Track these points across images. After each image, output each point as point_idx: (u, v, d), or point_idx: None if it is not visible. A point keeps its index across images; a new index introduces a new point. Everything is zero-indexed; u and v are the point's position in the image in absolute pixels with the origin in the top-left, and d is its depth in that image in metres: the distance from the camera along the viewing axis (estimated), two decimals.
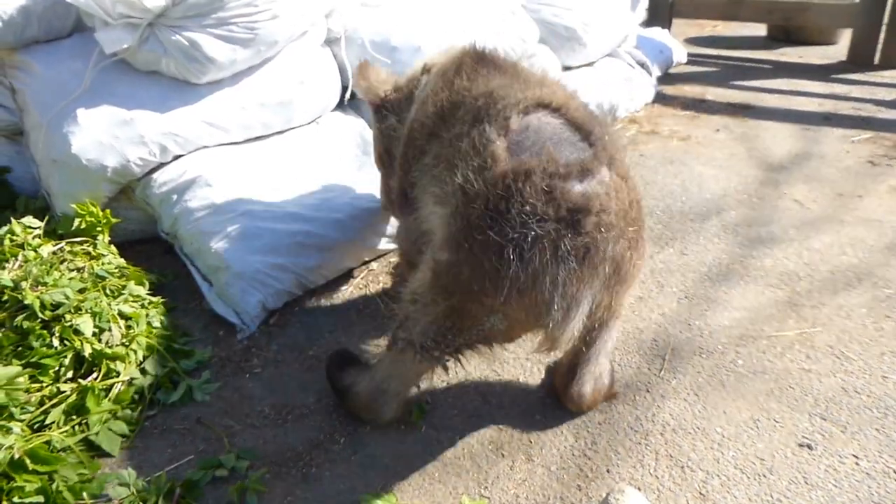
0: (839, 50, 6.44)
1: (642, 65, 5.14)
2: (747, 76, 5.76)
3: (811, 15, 6.04)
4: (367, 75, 2.60)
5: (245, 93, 3.06)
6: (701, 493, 1.90)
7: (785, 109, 4.93)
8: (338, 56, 3.51)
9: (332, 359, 2.36)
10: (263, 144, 3.17)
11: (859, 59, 5.96)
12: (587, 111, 2.02)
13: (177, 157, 2.96)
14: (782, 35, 7.00)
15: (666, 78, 5.61)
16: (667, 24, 6.44)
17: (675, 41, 6.09)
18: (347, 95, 3.46)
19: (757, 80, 5.62)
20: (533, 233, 1.70)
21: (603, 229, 1.74)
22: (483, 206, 1.75)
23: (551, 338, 1.87)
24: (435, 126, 2.15)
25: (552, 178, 1.72)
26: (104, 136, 2.77)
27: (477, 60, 2.27)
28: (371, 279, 2.96)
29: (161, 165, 2.94)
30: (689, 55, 6.17)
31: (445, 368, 2.05)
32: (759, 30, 7.35)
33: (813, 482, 1.91)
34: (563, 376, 2.21)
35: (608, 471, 1.99)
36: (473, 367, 2.43)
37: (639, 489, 1.91)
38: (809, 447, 2.03)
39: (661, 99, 5.16)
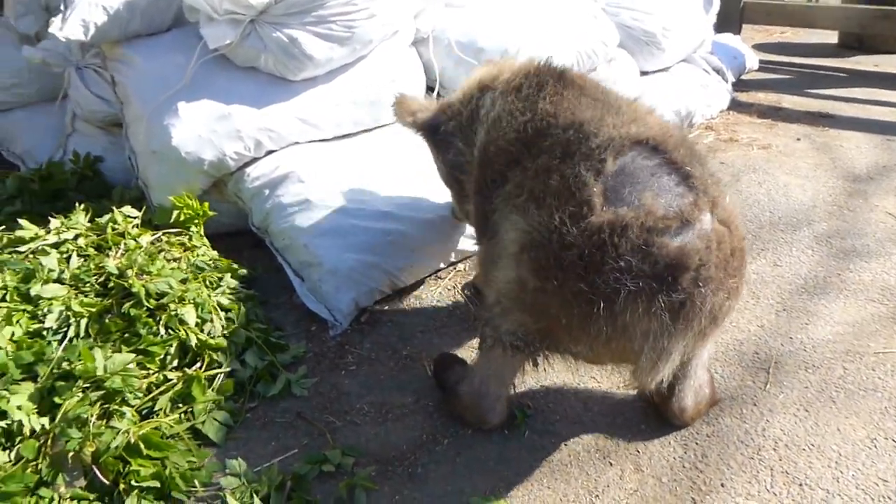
0: None
1: (718, 71, 5.04)
2: (822, 84, 5.62)
3: (889, 22, 5.86)
4: (411, 107, 2.55)
5: (338, 90, 3.08)
6: None
7: (866, 119, 4.79)
8: (423, 56, 3.51)
9: (438, 361, 2.37)
10: (353, 142, 3.19)
11: None
12: (686, 147, 1.89)
13: (269, 153, 2.99)
14: (855, 43, 6.81)
15: (739, 84, 5.50)
16: (737, 30, 6.32)
17: (747, 47, 5.98)
18: (434, 95, 3.45)
19: (833, 89, 5.48)
20: (626, 289, 1.66)
21: (701, 284, 1.69)
22: (577, 256, 1.72)
23: (639, 382, 1.89)
24: (518, 153, 2.05)
25: (649, 233, 1.67)
26: (203, 129, 2.81)
27: (560, 82, 2.14)
28: (459, 280, 2.95)
29: (254, 160, 2.97)
30: (760, 62, 6.05)
31: (536, 364, 2.03)
32: (830, 37, 7.17)
33: None
34: (661, 393, 2.15)
35: (722, 485, 1.95)
36: (571, 374, 2.40)
37: None
38: None
39: (736, 106, 5.05)
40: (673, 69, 4.77)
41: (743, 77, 5.69)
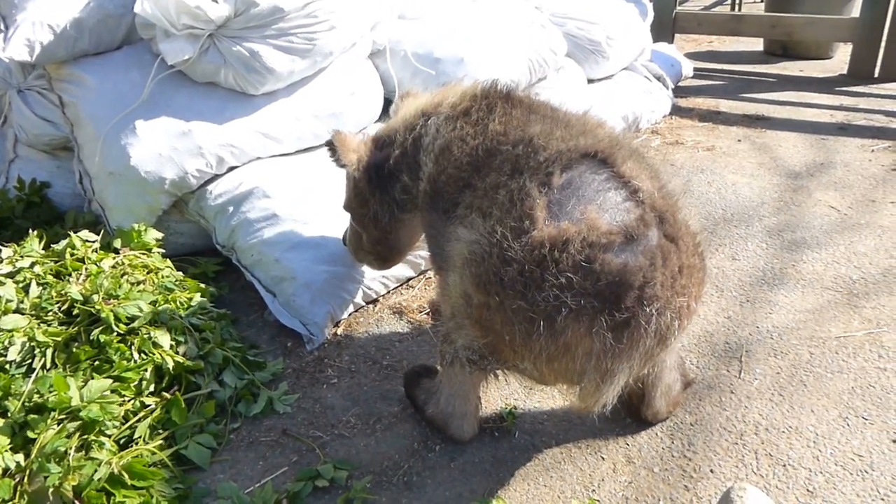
0: (836, 64, 6.62)
1: (658, 78, 5.23)
2: (755, 89, 5.89)
3: (814, 29, 6.19)
4: (350, 144, 2.40)
5: (299, 104, 3.05)
6: (808, 490, 1.91)
7: (799, 120, 5.04)
8: (380, 68, 3.52)
9: (407, 377, 2.32)
10: (313, 156, 3.16)
11: (860, 73, 6.11)
12: (636, 159, 1.85)
13: (231, 169, 2.93)
14: (779, 50, 7.17)
15: (677, 91, 5.71)
16: (670, 40, 6.57)
17: (682, 55, 6.21)
18: (393, 107, 3.45)
19: (765, 93, 5.75)
20: (567, 308, 1.60)
21: (645, 303, 1.63)
22: (517, 272, 1.65)
23: (583, 403, 1.79)
24: (469, 177, 1.99)
25: (591, 249, 1.61)
26: (163, 147, 2.74)
27: (508, 102, 2.11)
28: (430, 288, 2.95)
29: (216, 177, 2.91)
30: (694, 69, 6.29)
31: (496, 377, 2.03)
32: (756, 45, 7.53)
33: None
34: (634, 396, 2.15)
35: (712, 471, 2.00)
36: None
37: None
38: None
39: (677, 111, 5.24)
40: (617, 77, 4.93)
41: (680, 84, 5.91)
